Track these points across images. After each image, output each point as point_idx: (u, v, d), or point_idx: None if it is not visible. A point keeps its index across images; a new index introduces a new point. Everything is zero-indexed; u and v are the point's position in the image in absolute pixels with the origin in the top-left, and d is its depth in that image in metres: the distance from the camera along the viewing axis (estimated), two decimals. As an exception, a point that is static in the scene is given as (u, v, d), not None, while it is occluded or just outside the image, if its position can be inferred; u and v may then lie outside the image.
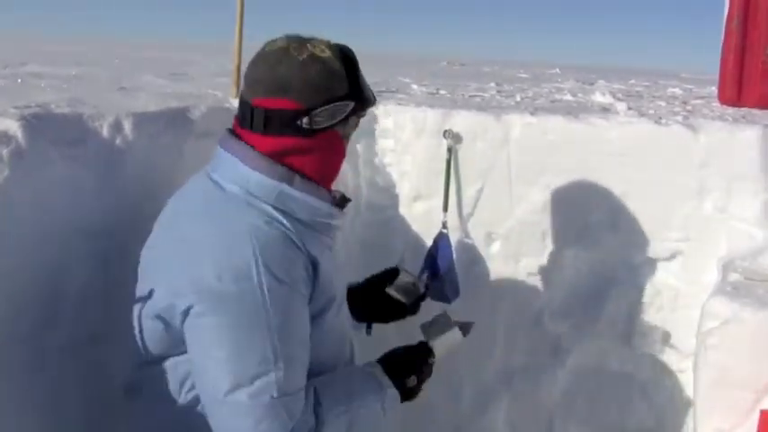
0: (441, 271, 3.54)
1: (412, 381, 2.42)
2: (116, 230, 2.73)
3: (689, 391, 3.11)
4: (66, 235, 2.62)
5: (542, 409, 3.94)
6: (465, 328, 2.65)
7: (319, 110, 2.19)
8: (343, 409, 2.23)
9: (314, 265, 2.17)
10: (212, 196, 2.22)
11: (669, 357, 3.68)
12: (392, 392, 2.35)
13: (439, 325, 2.60)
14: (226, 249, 2.09)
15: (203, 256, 2.10)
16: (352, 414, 2.24)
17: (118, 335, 2.68)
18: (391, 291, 2.86)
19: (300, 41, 2.22)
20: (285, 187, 2.18)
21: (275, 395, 2.05)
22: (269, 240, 2.10)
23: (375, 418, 2.32)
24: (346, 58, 2.23)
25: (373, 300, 2.86)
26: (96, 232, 2.70)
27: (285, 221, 2.15)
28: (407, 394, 2.43)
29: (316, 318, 2.21)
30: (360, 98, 2.25)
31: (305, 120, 2.18)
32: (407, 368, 2.42)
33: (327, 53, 2.20)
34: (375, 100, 2.31)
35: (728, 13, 4.72)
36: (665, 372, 3.70)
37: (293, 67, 2.18)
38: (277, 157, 2.21)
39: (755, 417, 2.75)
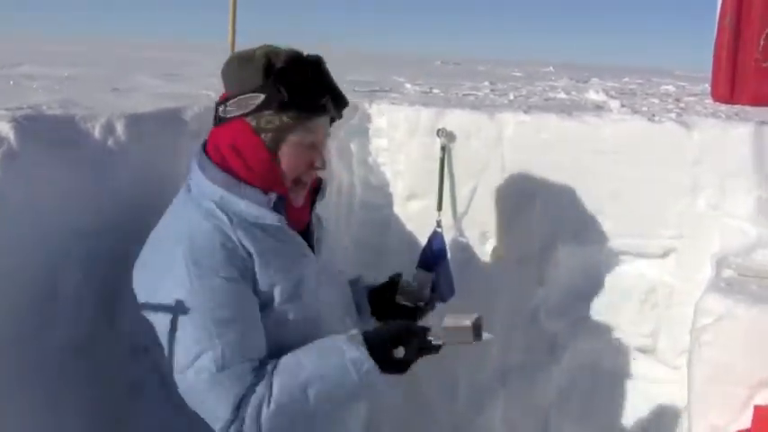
0: (435, 270, 3.54)
1: (399, 352, 2.36)
2: (110, 231, 2.74)
3: (684, 387, 3.10)
4: (60, 236, 2.63)
5: (538, 407, 3.94)
6: (478, 332, 2.58)
7: (232, 100, 2.38)
8: (300, 378, 2.27)
9: (251, 256, 2.33)
10: (179, 197, 2.50)
11: (664, 354, 3.68)
12: (354, 356, 2.29)
13: (457, 319, 2.55)
14: (165, 242, 2.39)
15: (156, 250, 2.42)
16: (309, 380, 2.27)
17: (114, 335, 2.70)
18: (400, 299, 2.94)
19: (263, 47, 2.42)
20: (224, 192, 2.38)
21: (214, 370, 2.22)
22: (200, 234, 2.32)
23: (341, 383, 2.29)
24: (289, 61, 2.35)
25: (385, 308, 2.95)
26: (90, 233, 2.70)
27: (224, 217, 2.35)
28: (394, 365, 2.38)
29: (269, 304, 2.37)
30: (271, 93, 2.33)
31: (221, 109, 2.44)
32: (393, 339, 2.37)
33: (261, 52, 2.38)
34: (302, 104, 2.35)
35: (721, 9, 4.71)
36: (659, 369, 3.70)
37: (226, 64, 2.46)
38: (215, 154, 2.44)
39: (749, 412, 2.75)
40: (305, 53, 2.42)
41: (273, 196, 2.37)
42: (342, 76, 5.91)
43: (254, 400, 2.23)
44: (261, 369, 2.27)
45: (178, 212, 2.45)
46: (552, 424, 3.93)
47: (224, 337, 2.25)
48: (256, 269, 2.34)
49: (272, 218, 2.37)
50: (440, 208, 3.77)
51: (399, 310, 2.90)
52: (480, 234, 3.87)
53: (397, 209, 3.99)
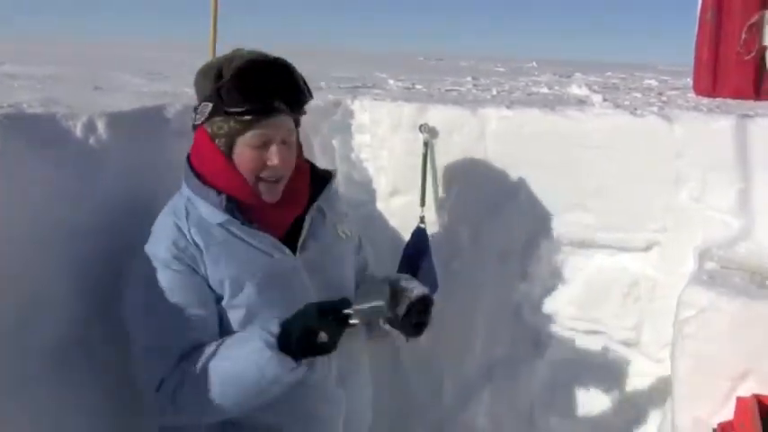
0: (418, 265, 3.55)
1: (321, 337, 2.28)
2: (93, 231, 2.72)
3: (667, 379, 3.11)
4: (43, 236, 2.61)
5: (523, 401, 3.95)
6: (394, 307, 2.57)
7: (197, 108, 2.53)
8: (209, 364, 2.30)
9: (202, 253, 2.41)
10: (174, 195, 2.59)
11: (647, 347, 3.69)
12: (256, 345, 2.28)
13: (373, 294, 2.46)
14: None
15: None
16: (218, 364, 2.30)
17: (100, 336, 2.69)
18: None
19: (230, 54, 2.52)
20: (191, 194, 2.49)
21: (142, 352, 2.40)
22: (162, 229, 2.47)
23: (247, 371, 2.27)
24: (245, 64, 2.42)
25: None
26: (71, 231, 2.68)
27: (185, 216, 2.46)
28: (316, 349, 2.30)
29: (221, 299, 2.44)
30: (217, 101, 2.43)
31: (192, 116, 2.56)
32: (309, 330, 2.29)
33: (217, 62, 2.51)
34: (244, 110, 2.39)
35: (703, 4, 4.74)
36: (643, 362, 3.71)
37: (196, 74, 2.58)
38: (192, 158, 2.56)
39: (732, 404, 2.77)
40: (267, 56, 2.49)
41: (223, 197, 2.44)
42: (325, 72, 5.92)
43: (171, 382, 2.33)
44: (189, 355, 2.35)
45: (164, 209, 2.55)
46: (537, 418, 3.94)
47: (153, 324, 2.38)
48: (207, 265, 2.41)
49: (220, 217, 2.44)
50: (423, 203, 3.77)
51: None
52: (464, 229, 3.88)
53: (380, 205, 3.99)
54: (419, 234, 3.68)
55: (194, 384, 2.30)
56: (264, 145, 2.44)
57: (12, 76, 4.80)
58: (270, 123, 2.43)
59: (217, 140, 2.46)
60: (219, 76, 2.43)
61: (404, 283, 2.74)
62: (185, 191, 2.52)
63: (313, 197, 2.65)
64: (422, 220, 3.72)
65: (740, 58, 4.59)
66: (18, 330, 2.52)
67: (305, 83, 2.53)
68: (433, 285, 3.55)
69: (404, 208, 3.93)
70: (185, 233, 2.43)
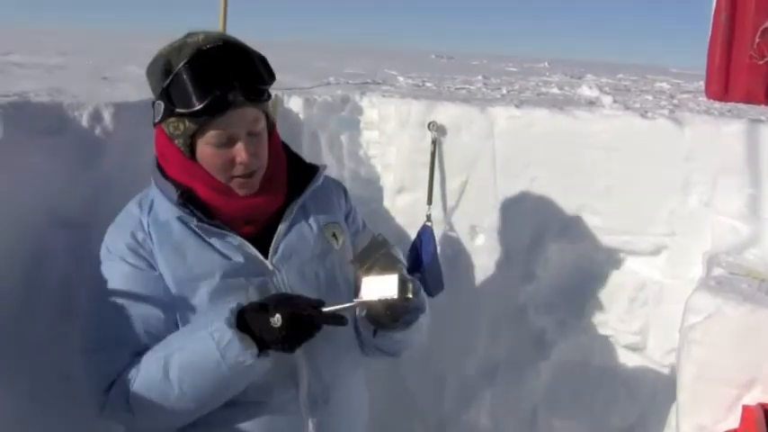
0: (424, 264, 3.54)
1: (275, 320, 2.05)
2: (95, 220, 2.70)
3: (672, 386, 3.09)
4: (44, 224, 2.62)
5: (525, 403, 3.93)
6: (403, 288, 2.13)
7: (153, 104, 2.26)
8: (160, 355, 2.14)
9: (154, 247, 2.24)
10: None
11: (653, 352, 3.67)
12: (215, 326, 2.07)
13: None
14: None
15: None
16: (170, 354, 2.12)
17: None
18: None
19: (186, 35, 2.26)
20: (154, 186, 2.32)
21: (88, 353, 2.21)
22: (122, 221, 2.30)
23: (203, 357, 2.08)
24: (192, 57, 2.15)
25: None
26: (74, 221, 2.69)
27: (147, 208, 2.29)
28: (274, 337, 2.07)
29: (170, 293, 2.22)
30: (166, 101, 2.19)
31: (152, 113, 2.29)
32: (264, 307, 2.10)
33: (165, 52, 2.23)
34: (196, 110, 2.14)
35: (716, 6, 4.72)
36: (648, 366, 3.70)
37: None
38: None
39: (738, 412, 2.74)
40: (217, 41, 2.20)
41: (178, 191, 2.24)
42: (336, 68, 5.90)
43: (122, 382, 2.15)
44: (142, 354, 2.19)
45: (134, 198, 2.40)
46: (539, 420, 3.92)
47: (100, 321, 2.21)
48: (159, 262, 2.22)
49: (173, 212, 2.25)
50: (430, 202, 3.75)
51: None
52: (470, 228, 3.86)
53: (387, 202, 3.97)
54: (426, 232, 3.66)
55: (147, 384, 2.13)
56: (229, 142, 2.21)
57: (19, 65, 4.79)
58: (229, 119, 2.18)
59: (176, 141, 2.25)
60: (167, 72, 2.18)
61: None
62: (152, 181, 2.34)
63: (296, 194, 2.41)
64: (428, 218, 3.71)
65: (752, 62, 4.58)
66: (17, 318, 2.53)
67: (264, 64, 2.26)
68: (439, 284, 3.54)
69: (410, 206, 3.91)
70: (144, 225, 2.25)
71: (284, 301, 2.09)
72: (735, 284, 2.96)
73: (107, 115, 2.86)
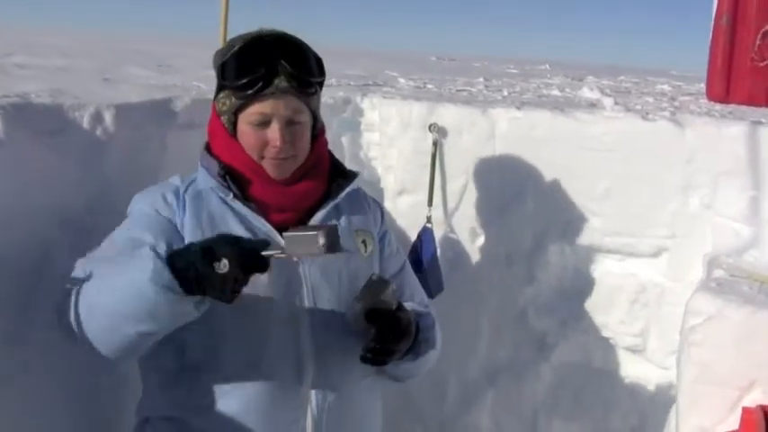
0: (424, 265, 3.53)
1: (222, 265, 1.95)
2: (96, 221, 2.71)
3: (672, 387, 3.09)
4: (45, 225, 2.62)
5: (527, 405, 3.93)
6: (331, 242, 2.03)
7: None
8: (102, 271, 2.15)
9: (184, 213, 2.32)
10: None
11: (653, 354, 3.67)
12: (145, 251, 2.01)
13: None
14: None
15: None
16: (105, 272, 2.13)
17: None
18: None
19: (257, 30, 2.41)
20: (199, 163, 2.45)
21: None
22: (151, 187, 2.44)
23: (123, 274, 2.03)
24: (251, 40, 2.34)
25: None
26: (75, 222, 2.69)
27: (190, 180, 2.41)
28: (211, 279, 1.97)
29: None
30: (220, 79, 2.38)
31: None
32: (207, 250, 2.00)
33: (237, 36, 2.40)
34: (241, 83, 2.30)
35: (717, 9, 4.73)
36: (648, 369, 3.70)
37: None
38: None
39: (738, 414, 2.74)
40: (278, 33, 2.38)
41: (221, 169, 2.36)
42: (337, 69, 5.90)
43: (69, 296, 2.16)
44: None
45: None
46: (540, 423, 3.92)
47: (106, 245, 2.31)
48: (186, 223, 2.30)
49: (212, 185, 2.36)
50: (430, 203, 3.75)
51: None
52: (470, 230, 3.86)
53: (388, 204, 3.96)
54: (426, 234, 3.66)
55: (79, 292, 2.13)
56: (266, 123, 2.33)
57: (21, 66, 4.79)
58: (270, 101, 2.31)
59: (222, 117, 2.40)
60: (226, 51, 2.36)
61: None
62: (199, 170, 2.44)
63: (333, 196, 2.48)
64: (429, 219, 3.71)
65: (754, 64, 4.59)
66: (19, 318, 2.53)
67: (318, 62, 2.40)
68: (439, 286, 3.54)
69: (411, 207, 3.91)
70: (179, 192, 2.36)
71: (231, 242, 1.99)
72: (735, 287, 2.96)
73: (108, 117, 2.87)
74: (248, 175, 2.37)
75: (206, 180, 2.38)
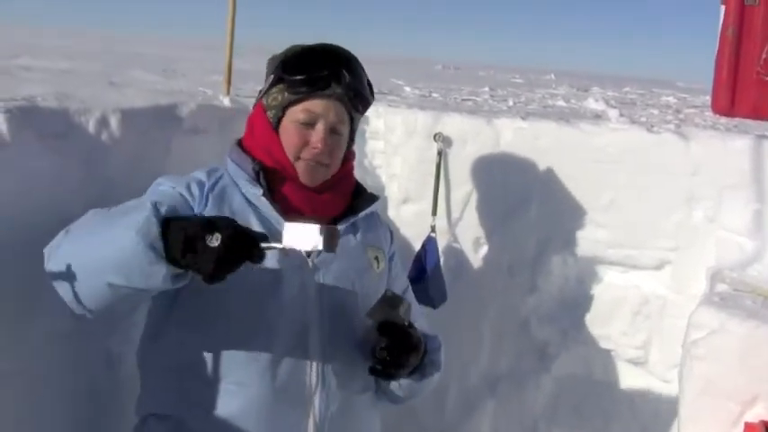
0: (427, 274, 3.53)
1: (213, 239, 1.91)
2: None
3: (674, 401, 3.08)
4: (49, 228, 2.61)
5: (527, 415, 3.92)
6: (329, 240, 2.02)
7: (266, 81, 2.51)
8: (88, 219, 2.17)
9: (205, 206, 2.31)
10: None
11: (655, 367, 3.67)
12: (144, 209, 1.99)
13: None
14: None
15: None
16: (94, 222, 2.15)
17: (100, 326, 2.68)
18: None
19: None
20: (228, 157, 2.48)
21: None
22: (174, 175, 2.42)
23: (114, 226, 2.02)
24: (315, 46, 2.43)
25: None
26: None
27: (218, 176, 2.42)
28: (200, 252, 1.93)
29: None
30: (279, 72, 2.41)
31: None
32: (208, 223, 1.97)
33: (297, 45, 2.46)
34: (300, 78, 2.37)
35: (723, 22, 4.72)
36: (650, 381, 3.69)
37: None
38: None
39: (740, 429, 2.74)
40: (340, 48, 2.46)
41: (256, 165, 2.39)
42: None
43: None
44: None
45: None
46: (541, 432, 3.92)
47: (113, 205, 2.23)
48: (214, 210, 2.30)
49: (241, 181, 2.39)
50: (434, 212, 3.75)
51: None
52: (474, 240, 3.85)
53: (392, 212, 3.96)
54: (429, 243, 3.65)
55: (69, 230, 2.16)
56: (311, 124, 2.39)
57: (27, 68, 4.79)
58: (322, 103, 2.39)
59: (269, 112, 2.44)
60: (290, 50, 2.44)
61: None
62: (227, 165, 2.46)
63: (352, 213, 2.52)
64: (433, 229, 3.70)
65: (759, 78, 4.60)
66: (20, 320, 2.53)
67: (369, 84, 2.50)
68: (442, 296, 3.53)
69: (415, 216, 3.90)
70: (204, 187, 2.35)
71: (232, 224, 1.97)
72: (739, 301, 2.95)
73: (114, 121, 2.87)
74: (280, 174, 2.41)
75: (236, 173, 2.41)
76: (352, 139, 2.56)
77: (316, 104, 2.39)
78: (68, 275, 2.07)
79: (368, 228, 2.59)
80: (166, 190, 2.32)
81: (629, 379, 3.76)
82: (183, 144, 3.10)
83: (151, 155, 3.02)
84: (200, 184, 2.36)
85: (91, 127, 2.80)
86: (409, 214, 3.95)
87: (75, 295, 2.09)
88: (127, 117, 2.92)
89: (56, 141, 2.68)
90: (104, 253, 1.99)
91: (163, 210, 1.98)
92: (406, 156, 3.94)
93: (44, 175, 2.60)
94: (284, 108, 2.42)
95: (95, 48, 9.65)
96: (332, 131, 2.41)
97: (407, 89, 5.71)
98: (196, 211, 2.29)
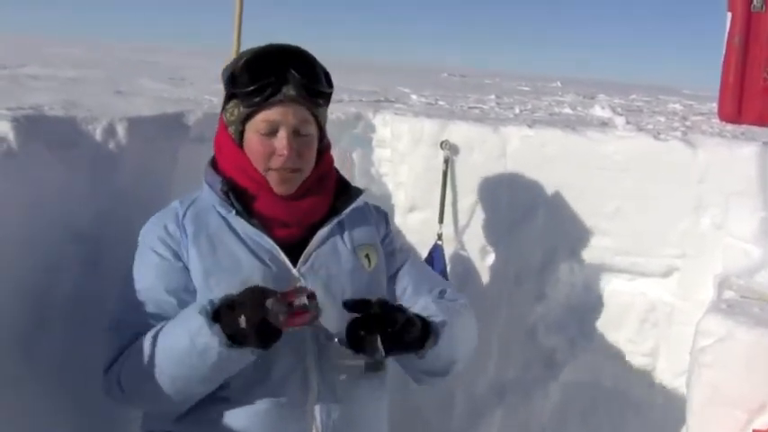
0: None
1: (242, 321, 2.05)
2: (107, 234, 2.73)
3: (682, 408, 3.07)
4: (57, 237, 2.62)
5: (535, 422, 3.91)
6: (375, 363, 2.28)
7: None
8: (150, 335, 2.20)
9: (186, 238, 2.35)
10: None
11: (663, 374, 3.66)
12: (191, 313, 2.13)
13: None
14: None
15: None
16: (155, 338, 2.19)
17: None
18: None
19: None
20: (203, 180, 2.46)
21: (106, 331, 2.33)
22: (157, 214, 2.44)
23: (176, 344, 2.13)
24: (259, 52, 2.38)
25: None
26: (87, 235, 2.70)
27: (190, 202, 2.43)
28: (237, 333, 2.07)
29: (211, 286, 2.29)
30: (230, 87, 2.39)
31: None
32: (235, 304, 2.10)
33: (246, 51, 2.45)
34: (250, 90, 2.32)
35: (730, 29, 4.71)
36: (658, 389, 3.68)
37: None
38: None
39: (748, 437, 2.73)
40: (289, 46, 2.42)
41: (224, 185, 2.37)
42: (349, 85, 5.91)
43: (119, 362, 2.26)
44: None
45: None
46: (548, 441, 3.91)
47: (124, 302, 2.33)
48: (190, 253, 2.33)
49: (214, 202, 2.39)
50: (441, 220, 3.75)
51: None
52: (480, 248, 3.85)
53: (398, 220, 3.95)
54: (436, 251, 3.65)
55: (135, 362, 2.20)
56: (273, 132, 2.35)
57: (34, 77, 4.81)
58: (279, 110, 2.34)
59: (230, 128, 2.41)
60: (237, 61, 2.40)
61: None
62: (203, 187, 2.45)
63: (337, 212, 2.49)
64: (439, 237, 3.71)
65: (766, 85, 4.58)
66: (29, 329, 2.53)
67: (325, 74, 2.43)
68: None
69: (421, 224, 3.90)
70: (179, 218, 2.37)
71: (250, 303, 2.07)
72: (746, 308, 2.94)
73: (121, 129, 2.88)
74: (253, 190, 2.39)
75: (209, 196, 2.40)
76: (323, 134, 2.51)
77: (272, 113, 2.34)
78: (152, 401, 2.30)
79: (356, 223, 2.55)
80: (153, 262, 2.35)
81: (637, 387, 3.74)
82: (190, 152, 3.09)
83: (158, 163, 3.03)
84: (176, 217, 2.39)
85: (98, 135, 2.82)
86: (416, 222, 3.95)
87: (163, 412, 2.34)
88: (134, 125, 2.93)
89: (63, 150, 2.69)
90: (191, 373, 2.16)
91: (206, 309, 2.11)
92: (412, 164, 3.94)
93: (51, 184, 2.61)
94: (243, 122, 2.38)
95: (100, 55, 9.67)
96: (296, 134, 2.36)
97: (414, 97, 5.72)
98: (183, 251, 2.33)
